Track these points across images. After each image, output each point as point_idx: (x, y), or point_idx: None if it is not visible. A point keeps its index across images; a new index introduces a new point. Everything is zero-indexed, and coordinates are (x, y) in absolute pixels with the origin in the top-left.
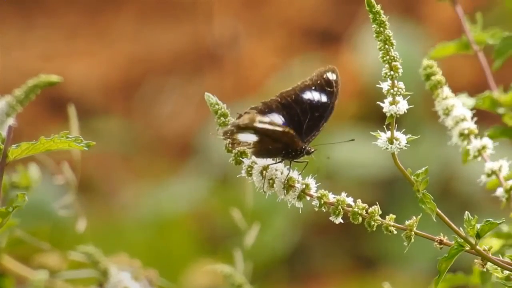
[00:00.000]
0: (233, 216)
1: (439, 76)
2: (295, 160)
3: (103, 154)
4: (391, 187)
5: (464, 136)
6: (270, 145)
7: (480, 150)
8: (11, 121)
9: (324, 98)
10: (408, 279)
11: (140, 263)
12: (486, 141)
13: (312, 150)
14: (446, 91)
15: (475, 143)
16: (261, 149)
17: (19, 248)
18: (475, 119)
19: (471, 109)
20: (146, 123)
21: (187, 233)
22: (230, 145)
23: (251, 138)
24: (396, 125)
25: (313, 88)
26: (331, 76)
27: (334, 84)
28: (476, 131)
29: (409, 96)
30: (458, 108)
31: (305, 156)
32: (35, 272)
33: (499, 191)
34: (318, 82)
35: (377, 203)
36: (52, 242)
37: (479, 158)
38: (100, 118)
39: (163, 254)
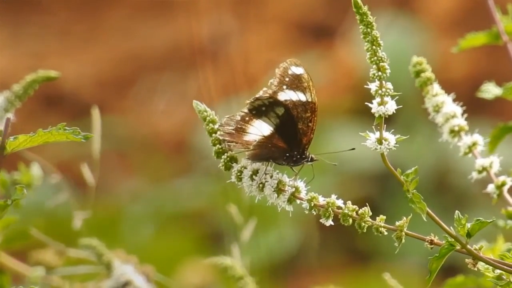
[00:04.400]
0: (229, 213)
1: (428, 73)
2: (295, 165)
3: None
4: (385, 181)
5: (454, 132)
6: (279, 142)
7: (471, 147)
8: (10, 116)
9: (302, 97)
10: (403, 273)
11: (137, 259)
12: (477, 137)
13: (316, 159)
14: (436, 88)
15: (466, 140)
16: (264, 150)
17: (16, 245)
18: (465, 115)
19: (461, 105)
20: (141, 120)
21: (182, 230)
22: (227, 145)
23: (264, 130)
24: (390, 121)
25: (285, 87)
26: (297, 70)
27: (304, 80)
28: (467, 127)
29: (397, 97)
30: (448, 105)
31: (307, 163)
32: (32, 269)
33: (490, 188)
34: (287, 80)
35: (367, 204)
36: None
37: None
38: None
39: (158, 250)
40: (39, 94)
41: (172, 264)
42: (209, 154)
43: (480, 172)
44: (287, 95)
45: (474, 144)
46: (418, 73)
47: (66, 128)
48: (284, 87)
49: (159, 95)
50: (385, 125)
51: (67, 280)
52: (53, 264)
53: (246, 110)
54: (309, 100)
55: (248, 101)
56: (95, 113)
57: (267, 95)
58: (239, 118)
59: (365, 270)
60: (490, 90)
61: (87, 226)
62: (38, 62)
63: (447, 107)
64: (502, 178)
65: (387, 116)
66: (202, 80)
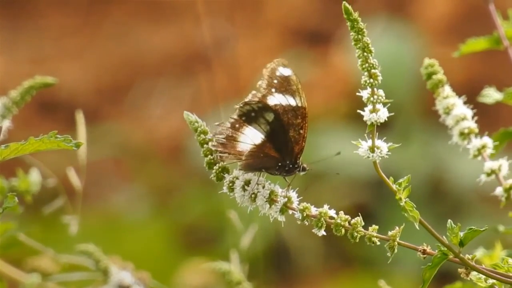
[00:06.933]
0: (225, 218)
1: (440, 75)
2: (288, 175)
3: (94, 156)
4: (379, 187)
5: (464, 135)
6: (270, 151)
7: (480, 150)
8: (7, 123)
9: (292, 101)
10: (397, 279)
11: (133, 265)
12: (486, 140)
13: (308, 168)
14: (447, 90)
15: (475, 142)
16: (257, 160)
17: (12, 251)
18: (475, 118)
19: (471, 108)
20: (137, 126)
21: (176, 236)
22: (219, 156)
23: (255, 138)
24: (385, 128)
25: (273, 90)
26: (285, 71)
27: (293, 82)
28: (476, 130)
29: (389, 104)
30: (459, 107)
31: (299, 173)
32: (28, 275)
33: (498, 191)
34: (275, 82)
35: (359, 214)
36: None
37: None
38: (91, 121)
39: (153, 257)
40: (35, 99)
41: (165, 270)
42: (203, 159)
43: (489, 174)
44: (276, 99)
45: (484, 146)
46: (429, 75)
47: (58, 136)
48: (273, 90)
49: (155, 101)
50: (377, 133)
51: (63, 287)
52: (49, 270)
53: (235, 116)
54: (299, 105)
55: (237, 106)
56: (79, 118)
57: (256, 99)
58: (229, 125)
59: (359, 275)
60: (491, 95)
61: (82, 233)
62: (35, 68)
63: (457, 109)
64: (510, 181)
65: (379, 124)
66: (198, 86)
